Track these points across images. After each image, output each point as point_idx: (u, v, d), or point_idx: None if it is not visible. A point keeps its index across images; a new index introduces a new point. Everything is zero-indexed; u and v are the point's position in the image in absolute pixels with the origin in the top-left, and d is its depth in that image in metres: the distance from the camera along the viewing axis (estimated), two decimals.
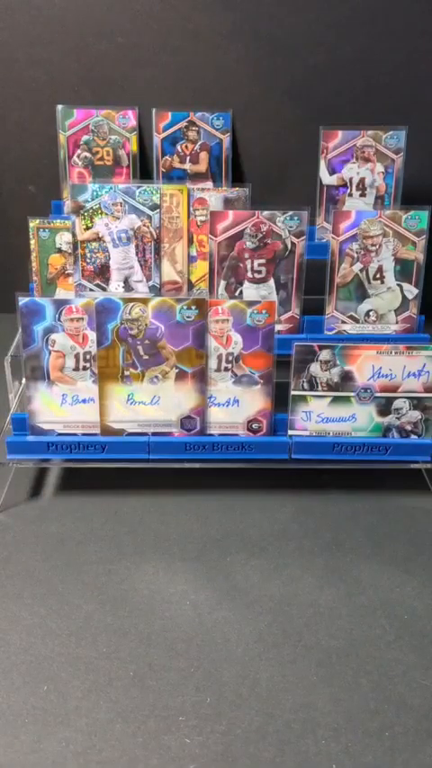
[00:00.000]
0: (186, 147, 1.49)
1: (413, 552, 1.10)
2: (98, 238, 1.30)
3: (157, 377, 1.13)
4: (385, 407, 1.15)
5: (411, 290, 1.30)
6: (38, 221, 1.30)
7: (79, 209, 1.29)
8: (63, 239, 1.30)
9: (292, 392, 1.14)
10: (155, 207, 1.31)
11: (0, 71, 1.54)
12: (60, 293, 1.33)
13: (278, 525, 1.15)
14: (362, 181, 1.46)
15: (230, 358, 1.13)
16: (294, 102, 1.57)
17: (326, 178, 1.47)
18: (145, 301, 1.11)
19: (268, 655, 0.92)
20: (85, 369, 1.13)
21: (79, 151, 1.49)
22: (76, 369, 1.13)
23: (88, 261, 1.31)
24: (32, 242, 1.30)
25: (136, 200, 1.30)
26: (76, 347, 1.12)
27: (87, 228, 1.30)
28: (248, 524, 1.15)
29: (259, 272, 1.29)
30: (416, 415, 1.15)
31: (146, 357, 1.13)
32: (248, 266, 1.28)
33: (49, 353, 1.12)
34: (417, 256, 1.28)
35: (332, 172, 1.47)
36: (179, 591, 1.02)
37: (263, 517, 1.16)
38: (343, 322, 1.31)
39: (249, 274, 1.29)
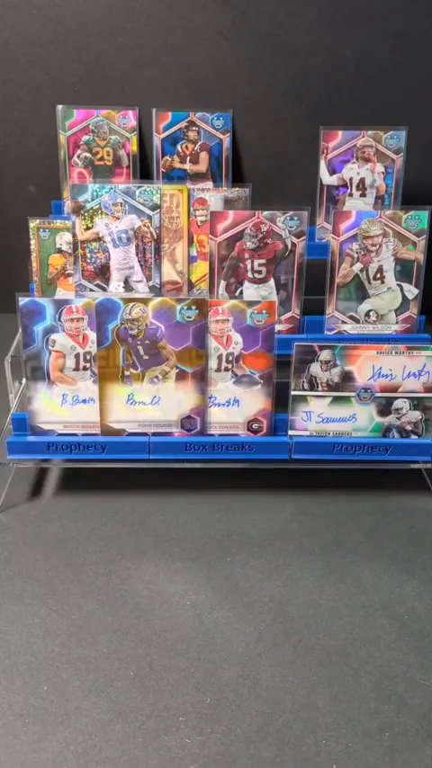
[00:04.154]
0: (186, 147, 1.49)
1: (413, 552, 1.10)
2: (98, 238, 1.30)
3: (157, 377, 1.13)
4: (385, 407, 1.15)
5: (411, 290, 1.30)
6: (38, 221, 1.30)
7: (79, 209, 1.29)
8: (63, 239, 1.30)
9: (293, 392, 1.14)
10: (155, 207, 1.31)
11: (0, 71, 1.54)
12: (60, 293, 1.33)
13: (278, 525, 1.15)
14: (362, 181, 1.46)
15: (231, 358, 1.13)
16: (294, 102, 1.57)
17: (326, 178, 1.47)
18: (145, 301, 1.11)
19: (268, 655, 0.92)
20: (85, 369, 1.13)
21: (79, 151, 1.49)
22: (77, 369, 1.13)
23: (88, 261, 1.31)
24: (32, 242, 1.30)
25: (136, 200, 1.30)
26: (77, 347, 1.12)
27: (87, 229, 1.30)
28: (248, 524, 1.15)
29: (259, 272, 1.29)
30: (416, 415, 1.15)
31: (146, 357, 1.13)
32: (249, 266, 1.28)
33: (50, 353, 1.12)
34: (417, 256, 1.28)
35: (332, 172, 1.47)
36: (179, 591, 1.02)
37: (263, 517, 1.16)
38: (343, 322, 1.31)
39: (249, 274, 1.29)
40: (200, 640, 0.94)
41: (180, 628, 0.96)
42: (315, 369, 1.12)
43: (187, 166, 1.50)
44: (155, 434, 1.15)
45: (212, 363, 1.14)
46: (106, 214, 1.30)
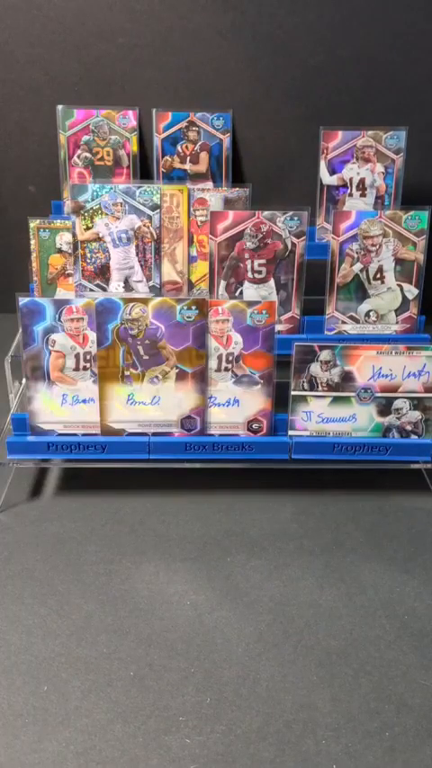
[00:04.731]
0: (186, 147, 1.49)
1: (413, 552, 1.10)
2: (98, 238, 1.30)
3: (157, 377, 1.13)
4: (385, 407, 1.15)
5: (411, 291, 1.30)
6: (38, 221, 1.30)
7: (79, 209, 1.29)
8: (63, 239, 1.30)
9: (293, 392, 1.14)
10: (155, 207, 1.31)
11: (0, 71, 1.54)
12: (60, 293, 1.33)
13: (278, 525, 1.15)
14: (362, 181, 1.46)
15: (231, 358, 1.13)
16: (294, 102, 1.57)
17: (326, 178, 1.47)
18: (145, 301, 1.11)
19: (268, 655, 0.93)
20: (85, 369, 1.13)
21: (79, 151, 1.49)
22: (77, 369, 1.13)
23: (88, 261, 1.31)
24: (32, 242, 1.30)
25: (136, 200, 1.30)
26: (77, 347, 1.12)
27: (87, 229, 1.30)
28: (248, 524, 1.15)
29: (259, 272, 1.29)
30: (416, 415, 1.15)
31: (146, 357, 1.13)
32: (249, 266, 1.28)
33: (50, 353, 1.12)
34: (417, 256, 1.28)
35: (332, 172, 1.47)
36: (179, 591, 1.02)
37: (263, 517, 1.16)
38: (343, 322, 1.31)
39: (249, 274, 1.29)
40: (200, 640, 0.94)
41: (180, 628, 0.96)
42: (315, 369, 1.12)
43: (187, 166, 1.50)
44: (155, 434, 1.15)
45: (212, 363, 1.14)
46: (106, 214, 1.30)
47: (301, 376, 1.13)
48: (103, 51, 1.53)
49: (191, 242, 1.34)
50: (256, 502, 1.19)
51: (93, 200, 1.30)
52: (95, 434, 1.15)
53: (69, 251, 1.31)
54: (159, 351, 1.12)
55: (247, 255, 1.28)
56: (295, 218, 1.26)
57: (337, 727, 0.84)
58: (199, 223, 1.33)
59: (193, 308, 1.11)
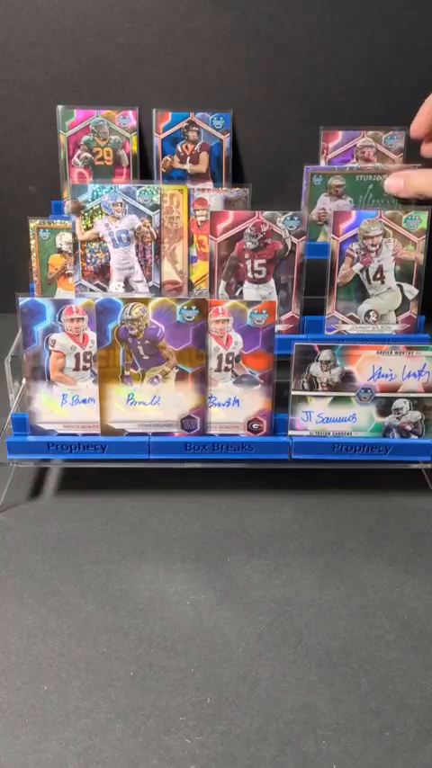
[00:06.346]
0: (186, 147, 1.49)
1: (413, 552, 1.10)
2: (98, 238, 1.30)
3: (157, 377, 1.13)
4: (385, 407, 1.15)
5: (411, 291, 1.30)
6: (38, 221, 1.30)
7: (79, 209, 1.29)
8: (63, 239, 1.30)
9: (293, 392, 1.14)
10: (155, 207, 1.31)
11: (0, 71, 1.54)
12: (60, 293, 1.33)
13: (278, 525, 1.15)
14: None
15: (231, 358, 1.13)
16: (294, 103, 1.57)
17: None
18: (145, 301, 1.11)
19: (268, 655, 0.92)
20: (85, 369, 1.13)
21: (79, 151, 1.49)
22: (77, 369, 1.13)
23: (88, 261, 1.31)
24: (32, 242, 1.30)
25: (136, 200, 1.30)
26: (77, 347, 1.12)
27: (87, 229, 1.30)
28: (248, 524, 1.15)
29: (259, 272, 1.29)
30: (416, 415, 1.15)
31: (146, 357, 1.13)
32: (249, 266, 1.28)
33: (50, 353, 1.12)
34: (417, 256, 1.28)
35: None
36: (179, 591, 1.02)
37: (263, 517, 1.16)
38: (343, 322, 1.31)
39: (250, 274, 1.29)
40: (200, 640, 0.94)
41: (180, 628, 0.96)
42: (315, 369, 1.12)
43: (187, 166, 1.50)
44: (155, 434, 1.15)
45: (212, 363, 1.14)
46: (106, 214, 1.30)
47: (301, 376, 1.13)
48: (103, 51, 1.53)
49: (191, 242, 1.34)
50: (256, 502, 1.19)
51: (93, 200, 1.30)
52: (95, 434, 1.15)
53: (69, 251, 1.31)
54: (159, 351, 1.12)
55: (247, 255, 1.28)
56: (295, 218, 1.26)
57: (337, 727, 0.84)
58: (199, 223, 1.33)
59: (193, 308, 1.11)
